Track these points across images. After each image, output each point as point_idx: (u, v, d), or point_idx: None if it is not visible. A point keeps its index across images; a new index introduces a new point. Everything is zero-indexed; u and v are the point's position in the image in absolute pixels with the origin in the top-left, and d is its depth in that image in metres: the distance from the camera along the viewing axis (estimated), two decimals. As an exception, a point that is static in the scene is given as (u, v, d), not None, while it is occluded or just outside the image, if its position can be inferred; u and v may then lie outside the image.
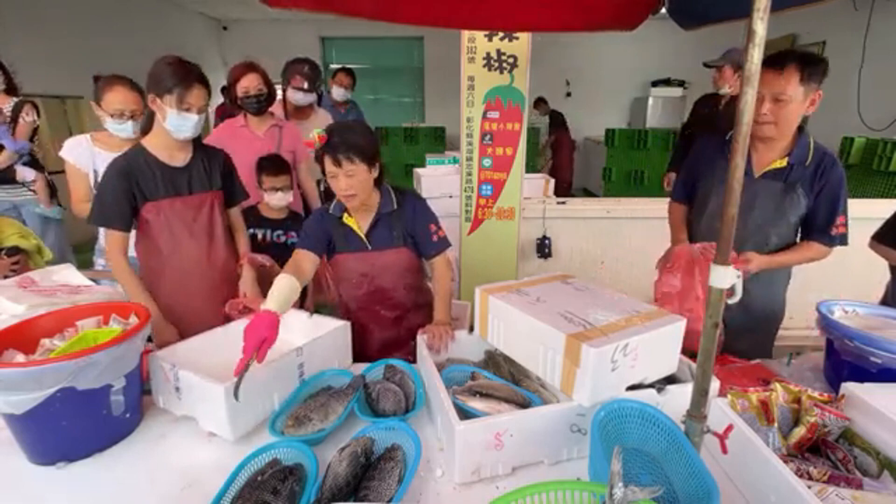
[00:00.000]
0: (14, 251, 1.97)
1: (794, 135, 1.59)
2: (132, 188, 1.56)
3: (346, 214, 1.61)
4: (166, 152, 1.62)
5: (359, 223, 1.62)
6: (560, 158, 7.31)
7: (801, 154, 1.57)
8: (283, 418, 1.21)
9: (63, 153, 2.04)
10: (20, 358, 1.16)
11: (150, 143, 1.61)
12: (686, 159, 1.87)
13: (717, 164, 1.70)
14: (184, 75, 1.50)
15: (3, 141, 3.14)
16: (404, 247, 1.65)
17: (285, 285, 1.38)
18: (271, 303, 1.28)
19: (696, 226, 1.81)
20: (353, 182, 1.46)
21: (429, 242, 1.65)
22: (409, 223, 1.64)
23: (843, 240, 1.61)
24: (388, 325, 1.72)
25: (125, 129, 1.96)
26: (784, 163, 1.58)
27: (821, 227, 1.60)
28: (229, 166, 1.81)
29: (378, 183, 1.60)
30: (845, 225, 1.59)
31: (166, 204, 1.62)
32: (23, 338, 1.20)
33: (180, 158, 1.65)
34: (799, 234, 1.69)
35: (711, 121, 3.16)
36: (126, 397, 1.18)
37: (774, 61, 1.46)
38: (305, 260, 1.56)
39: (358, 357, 1.60)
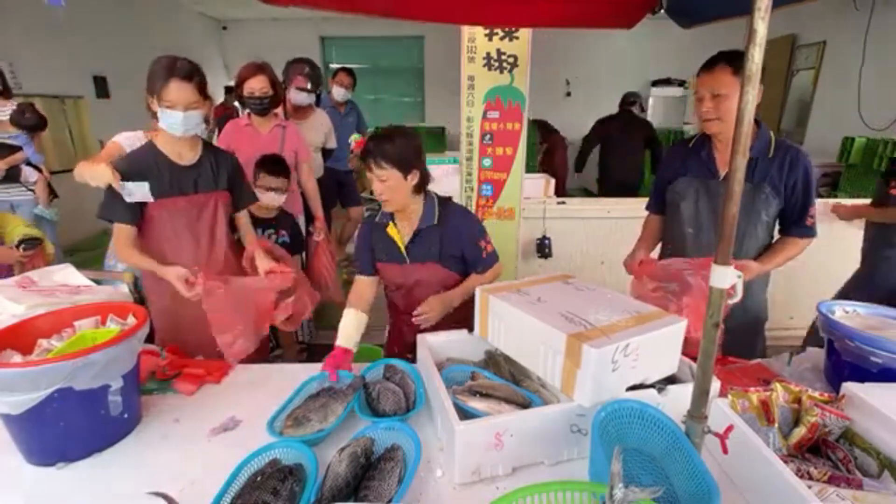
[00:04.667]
0: (33, 242, 2.02)
1: (753, 129, 1.60)
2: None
3: (391, 224, 1.61)
4: (174, 151, 1.64)
5: (401, 233, 1.62)
6: (553, 161, 7.33)
7: (762, 147, 1.60)
8: (282, 418, 1.21)
9: (117, 137, 2.05)
10: (17, 358, 1.16)
11: (160, 142, 1.64)
12: (657, 170, 1.90)
13: (686, 163, 1.73)
14: (163, 73, 1.50)
15: (25, 149, 3.23)
16: (437, 263, 1.62)
17: (350, 322, 1.57)
18: (341, 340, 1.51)
19: (671, 233, 1.82)
20: (385, 187, 1.49)
21: (479, 259, 1.63)
22: (448, 240, 1.61)
23: (814, 231, 1.64)
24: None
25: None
26: (747, 157, 1.60)
27: (797, 220, 1.64)
28: (238, 169, 1.82)
29: (421, 191, 1.57)
30: (813, 216, 1.63)
31: (171, 202, 1.64)
32: (20, 338, 1.20)
33: (188, 157, 1.67)
34: (776, 233, 1.70)
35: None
36: (124, 398, 1.18)
37: (707, 64, 1.56)
38: (366, 287, 1.68)
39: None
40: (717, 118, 1.56)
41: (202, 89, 1.58)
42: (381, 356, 1.91)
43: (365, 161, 1.49)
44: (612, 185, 4.72)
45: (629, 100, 4.75)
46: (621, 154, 4.71)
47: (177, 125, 1.55)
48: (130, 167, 1.58)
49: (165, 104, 1.51)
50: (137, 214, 1.61)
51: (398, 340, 1.80)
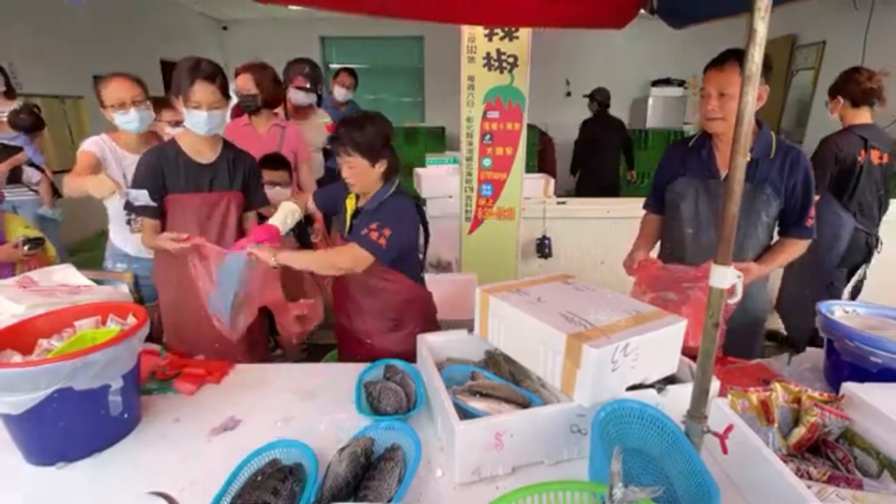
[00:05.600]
0: (36, 242, 2.05)
1: (754, 130, 1.60)
2: (159, 180, 1.63)
3: (352, 195, 1.66)
4: (194, 149, 1.69)
5: (355, 206, 1.67)
6: (545, 163, 7.37)
7: (763, 148, 1.59)
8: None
9: (84, 145, 1.97)
10: (17, 358, 1.16)
11: (181, 140, 1.70)
12: (655, 169, 1.89)
13: (686, 163, 1.72)
14: (188, 74, 1.56)
15: (26, 150, 3.24)
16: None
17: (286, 207, 1.74)
18: (273, 221, 1.70)
19: (670, 234, 1.81)
20: (352, 173, 1.55)
21: (359, 234, 1.55)
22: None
23: (813, 231, 1.64)
24: (342, 308, 1.77)
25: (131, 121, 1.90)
26: (747, 158, 1.60)
27: (796, 221, 1.63)
28: (254, 171, 1.85)
29: (386, 177, 1.59)
30: (813, 217, 1.63)
31: (185, 198, 1.68)
32: (21, 338, 1.20)
33: (207, 156, 1.72)
34: (775, 234, 1.70)
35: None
36: (124, 398, 1.18)
37: (716, 61, 1.54)
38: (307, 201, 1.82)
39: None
40: (721, 118, 1.55)
41: (224, 90, 1.63)
42: (336, 358, 1.91)
43: (334, 145, 1.54)
44: (592, 186, 4.77)
45: (606, 102, 4.74)
46: (600, 154, 4.77)
47: (201, 124, 1.61)
48: (150, 162, 1.64)
49: (192, 104, 1.57)
50: (159, 210, 1.67)
51: (342, 333, 1.82)
